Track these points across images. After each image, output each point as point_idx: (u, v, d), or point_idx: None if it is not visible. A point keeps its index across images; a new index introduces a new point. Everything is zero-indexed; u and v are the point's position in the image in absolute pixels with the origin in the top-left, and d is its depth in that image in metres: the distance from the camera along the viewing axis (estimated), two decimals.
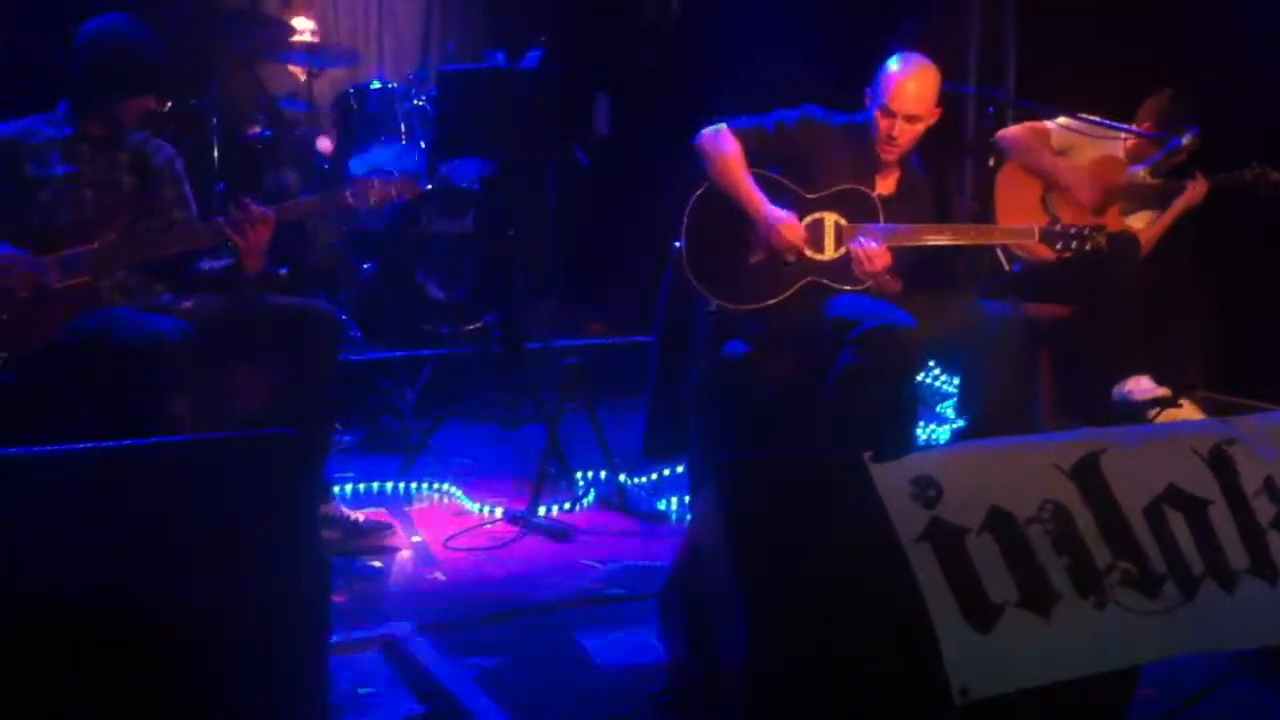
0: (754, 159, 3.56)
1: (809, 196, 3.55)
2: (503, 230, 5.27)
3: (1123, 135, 4.44)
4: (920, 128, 3.54)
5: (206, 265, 3.43)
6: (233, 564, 2.12)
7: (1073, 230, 3.49)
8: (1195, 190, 4.39)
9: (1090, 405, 4.26)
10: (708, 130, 3.60)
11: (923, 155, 3.70)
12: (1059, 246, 3.50)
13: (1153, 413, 4.08)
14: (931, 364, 4.76)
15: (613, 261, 6.19)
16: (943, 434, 4.47)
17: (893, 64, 3.54)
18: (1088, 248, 3.47)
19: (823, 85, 3.79)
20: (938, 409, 4.81)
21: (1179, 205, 4.43)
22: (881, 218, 3.51)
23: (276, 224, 3.30)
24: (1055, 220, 4.00)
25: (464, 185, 5.69)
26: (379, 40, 6.93)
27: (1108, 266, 4.17)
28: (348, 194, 3.41)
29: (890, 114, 3.50)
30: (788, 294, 3.49)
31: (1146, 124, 4.47)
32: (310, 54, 5.90)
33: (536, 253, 5.61)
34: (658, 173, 5.79)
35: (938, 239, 3.50)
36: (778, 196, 3.53)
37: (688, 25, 7.01)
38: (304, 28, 6.15)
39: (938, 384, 4.90)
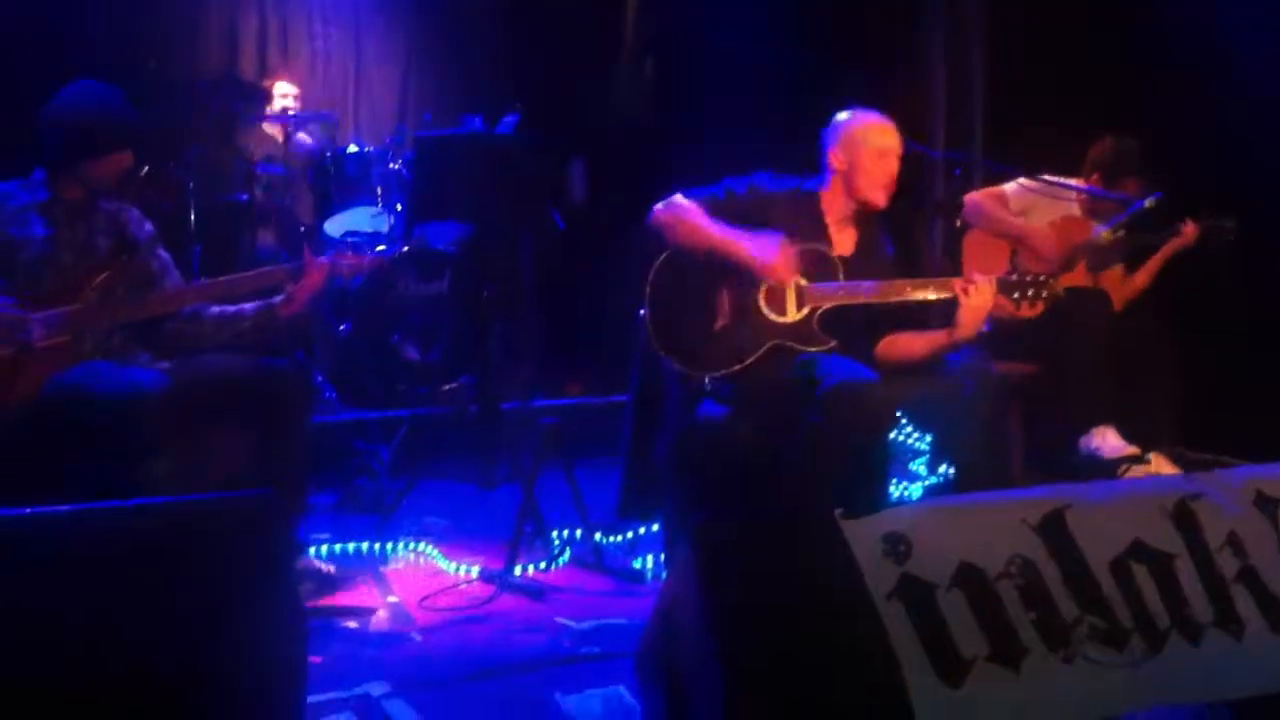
0: None
1: None
2: (479, 292, 5.30)
3: (1077, 195, 4.50)
4: None
5: (248, 307, 3.58)
6: (210, 626, 2.12)
7: (1029, 278, 3.51)
8: (1187, 235, 4.50)
9: (1059, 460, 4.31)
10: (661, 203, 3.59)
11: (888, 213, 3.73)
12: (1015, 296, 3.53)
13: (1122, 469, 4.13)
14: (904, 421, 4.79)
15: (590, 322, 6.23)
16: (916, 491, 4.51)
17: (859, 118, 3.61)
18: (1044, 295, 3.50)
19: (794, 150, 3.82)
20: (910, 466, 4.84)
21: (1169, 249, 4.53)
22: (842, 276, 3.53)
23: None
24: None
25: (440, 248, 5.73)
26: (355, 107, 7.02)
27: (1076, 322, 4.24)
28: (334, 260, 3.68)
29: (886, 154, 3.56)
30: (754, 359, 3.50)
31: (1095, 174, 4.54)
32: (288, 118, 5.97)
33: (513, 314, 5.64)
34: (633, 236, 5.85)
35: (900, 295, 3.50)
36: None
37: (662, 91, 7.12)
38: (282, 93, 6.23)
39: (910, 441, 4.94)
